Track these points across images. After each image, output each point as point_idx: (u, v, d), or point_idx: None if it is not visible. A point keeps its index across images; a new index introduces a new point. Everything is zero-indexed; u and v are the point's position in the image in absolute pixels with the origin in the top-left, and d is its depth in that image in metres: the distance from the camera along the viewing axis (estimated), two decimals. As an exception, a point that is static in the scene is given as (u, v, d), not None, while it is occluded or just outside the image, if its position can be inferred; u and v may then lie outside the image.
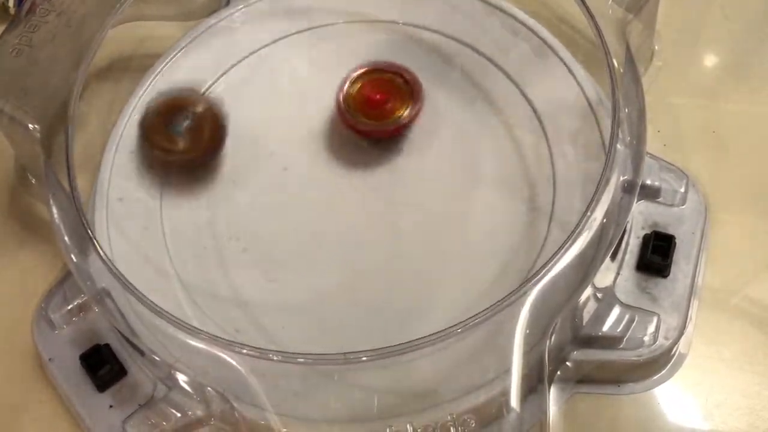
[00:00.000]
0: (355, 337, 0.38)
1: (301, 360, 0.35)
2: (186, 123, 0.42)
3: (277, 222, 0.42)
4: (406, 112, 0.43)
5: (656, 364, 0.39)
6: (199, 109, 0.43)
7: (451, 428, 0.35)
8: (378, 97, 0.43)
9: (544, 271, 0.35)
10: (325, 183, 0.43)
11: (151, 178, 0.43)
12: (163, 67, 0.46)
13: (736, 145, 0.45)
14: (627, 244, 0.41)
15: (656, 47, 0.47)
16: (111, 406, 0.39)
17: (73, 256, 0.38)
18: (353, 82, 0.43)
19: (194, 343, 0.35)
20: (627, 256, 0.40)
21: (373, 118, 0.43)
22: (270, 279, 0.41)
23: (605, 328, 0.38)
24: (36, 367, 0.41)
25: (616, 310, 0.39)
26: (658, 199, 0.42)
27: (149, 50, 0.48)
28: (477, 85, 0.45)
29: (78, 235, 0.38)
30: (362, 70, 0.43)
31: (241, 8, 0.48)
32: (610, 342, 0.38)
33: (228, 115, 0.43)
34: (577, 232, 0.36)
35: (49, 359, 0.40)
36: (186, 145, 0.42)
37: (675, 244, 0.40)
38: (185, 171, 0.43)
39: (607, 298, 0.39)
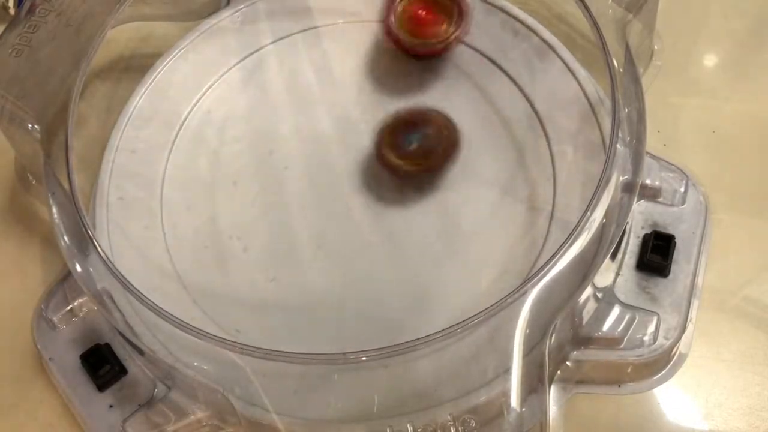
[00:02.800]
0: (355, 337, 0.38)
1: (301, 360, 0.35)
2: (419, 137, 0.42)
3: (277, 222, 0.42)
4: (452, 31, 0.43)
5: (656, 364, 0.39)
6: (435, 123, 0.42)
7: (451, 428, 0.35)
8: (425, 14, 0.43)
9: (544, 271, 0.35)
10: (326, 183, 0.43)
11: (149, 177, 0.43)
12: (163, 67, 0.46)
13: (736, 145, 0.45)
14: (627, 243, 0.41)
15: (656, 47, 0.47)
16: (111, 406, 0.39)
17: (73, 256, 0.38)
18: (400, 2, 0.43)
19: (194, 342, 0.35)
20: (627, 256, 0.40)
21: (420, 36, 0.43)
22: (270, 279, 0.41)
23: (605, 328, 0.38)
24: (36, 367, 0.41)
25: (616, 310, 0.39)
26: (658, 199, 0.42)
27: (149, 50, 0.48)
28: (477, 85, 0.45)
29: (78, 235, 0.38)
30: None
31: (241, 8, 0.48)
32: (610, 342, 0.38)
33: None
34: (577, 232, 0.36)
35: (49, 359, 0.40)
36: (418, 159, 0.42)
37: (675, 243, 0.40)
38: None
39: (607, 298, 0.39)
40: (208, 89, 0.46)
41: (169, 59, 0.46)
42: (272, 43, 0.47)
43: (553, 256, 0.36)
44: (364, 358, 0.34)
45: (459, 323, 0.34)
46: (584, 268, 0.38)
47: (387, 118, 0.42)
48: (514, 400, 0.35)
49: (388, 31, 0.43)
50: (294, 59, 0.46)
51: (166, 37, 0.48)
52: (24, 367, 0.41)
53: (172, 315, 0.36)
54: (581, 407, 0.39)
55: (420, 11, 0.43)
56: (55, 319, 0.41)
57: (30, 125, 0.41)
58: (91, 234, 0.38)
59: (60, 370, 0.40)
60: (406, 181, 0.42)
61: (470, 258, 0.40)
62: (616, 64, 0.40)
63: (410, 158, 0.41)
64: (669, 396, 0.39)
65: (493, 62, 0.45)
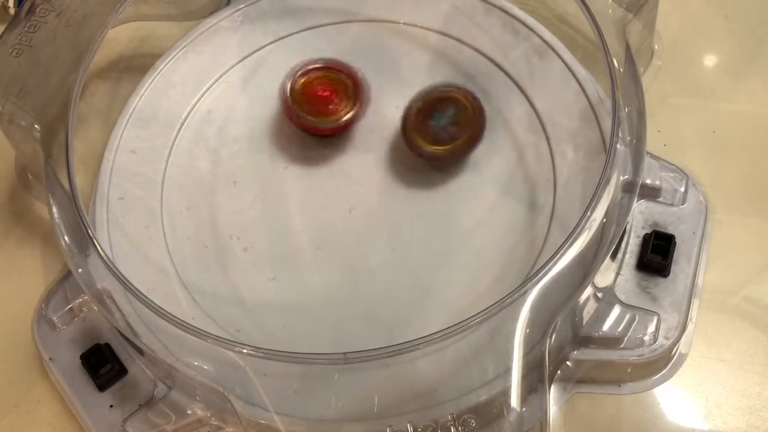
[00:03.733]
0: (355, 337, 0.38)
1: (301, 360, 0.35)
2: (447, 118, 0.42)
3: (277, 222, 0.42)
4: (349, 113, 0.43)
5: (656, 364, 0.39)
6: (461, 102, 0.42)
7: (452, 428, 0.35)
8: (323, 93, 0.43)
9: (544, 271, 0.35)
10: (326, 182, 0.43)
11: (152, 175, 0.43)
12: (163, 67, 0.46)
13: (736, 145, 0.45)
14: (627, 243, 0.41)
15: (656, 47, 0.47)
16: (111, 406, 0.39)
17: (73, 256, 0.38)
18: (300, 77, 0.43)
19: (194, 342, 0.35)
20: (627, 256, 0.40)
21: (317, 114, 0.43)
22: (270, 278, 0.41)
23: (605, 327, 0.38)
24: (36, 367, 0.41)
25: (616, 310, 0.39)
26: (659, 199, 0.42)
27: (149, 50, 0.48)
28: (477, 85, 0.45)
29: (78, 235, 0.38)
30: (310, 67, 0.43)
31: (241, 8, 0.48)
32: (610, 342, 0.38)
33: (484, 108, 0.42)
34: (577, 232, 0.36)
35: (49, 359, 0.40)
36: (447, 140, 0.42)
37: (675, 243, 0.40)
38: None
39: (607, 298, 0.39)
40: (208, 89, 0.46)
41: (169, 59, 0.46)
42: (272, 43, 0.47)
43: (553, 256, 0.36)
44: (364, 359, 0.34)
45: (459, 323, 0.34)
46: (584, 268, 0.38)
47: (413, 102, 0.42)
48: (514, 400, 0.35)
49: (286, 110, 0.43)
50: (294, 59, 0.46)
51: (166, 37, 0.48)
52: (24, 367, 0.41)
53: (172, 315, 0.36)
54: (581, 407, 0.39)
55: (319, 90, 0.43)
56: (55, 319, 0.41)
57: (30, 125, 0.41)
58: (91, 234, 0.38)
59: (60, 370, 0.40)
60: (432, 163, 0.43)
61: (470, 258, 0.40)
62: (616, 64, 0.40)
63: (438, 141, 0.42)
64: (669, 396, 0.39)
65: (493, 62, 0.45)
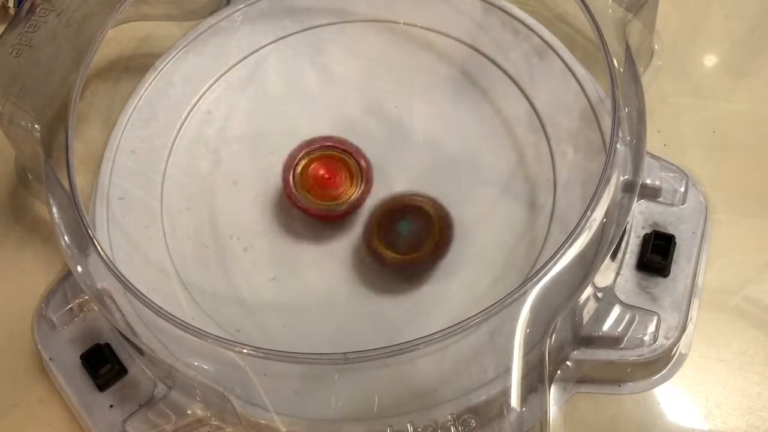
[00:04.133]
0: (355, 337, 0.38)
1: (301, 360, 0.35)
2: (410, 225, 0.40)
3: (277, 222, 0.42)
4: (355, 192, 0.41)
5: (656, 364, 0.39)
6: (426, 210, 0.40)
7: (452, 428, 0.35)
8: (326, 175, 0.41)
9: (544, 271, 0.35)
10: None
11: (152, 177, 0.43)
12: (163, 67, 0.46)
13: (736, 145, 0.45)
14: (627, 243, 0.41)
15: (656, 47, 0.47)
16: (111, 406, 0.39)
17: (73, 256, 0.38)
18: (302, 159, 0.41)
19: (195, 342, 0.35)
20: (627, 256, 0.40)
21: (321, 197, 0.41)
22: (270, 278, 0.41)
23: (605, 327, 0.38)
24: (36, 367, 0.41)
25: (616, 310, 0.39)
26: (659, 199, 0.42)
27: (149, 50, 0.48)
28: (477, 85, 0.45)
29: (78, 235, 0.38)
30: (311, 148, 0.41)
31: (241, 8, 0.48)
32: (611, 342, 0.38)
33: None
34: (577, 232, 0.36)
35: (50, 359, 0.40)
36: (408, 249, 0.39)
37: (675, 243, 0.40)
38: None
39: (608, 298, 0.39)
40: (208, 89, 0.46)
41: (169, 59, 0.46)
42: (272, 43, 0.47)
43: (553, 256, 0.36)
44: (364, 359, 0.34)
45: (459, 323, 0.34)
46: (584, 268, 0.38)
47: (377, 207, 0.40)
48: (514, 400, 0.35)
49: (289, 195, 0.41)
50: (294, 59, 0.46)
51: (166, 37, 0.48)
52: (24, 367, 0.41)
53: (172, 315, 0.36)
54: (581, 407, 0.39)
55: (321, 172, 0.41)
56: (55, 319, 0.41)
57: (30, 125, 0.41)
58: (91, 234, 0.38)
59: (60, 370, 0.40)
60: (393, 270, 0.40)
61: (470, 258, 0.40)
62: (616, 64, 0.40)
63: (399, 249, 0.39)
64: (669, 396, 0.39)
65: (493, 62, 0.45)
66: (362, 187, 0.41)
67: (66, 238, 0.38)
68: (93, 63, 0.42)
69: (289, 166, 0.41)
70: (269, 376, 0.36)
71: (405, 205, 0.40)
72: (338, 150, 0.41)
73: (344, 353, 0.34)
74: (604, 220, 0.37)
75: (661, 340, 0.38)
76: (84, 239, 0.38)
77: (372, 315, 0.39)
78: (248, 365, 0.35)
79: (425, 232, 0.40)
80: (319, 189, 0.41)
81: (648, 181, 0.41)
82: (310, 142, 0.42)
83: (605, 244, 0.38)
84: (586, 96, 0.43)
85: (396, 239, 0.40)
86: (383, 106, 0.45)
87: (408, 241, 0.40)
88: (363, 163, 0.41)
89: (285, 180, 0.41)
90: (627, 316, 0.39)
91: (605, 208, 0.37)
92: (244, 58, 0.47)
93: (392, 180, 0.43)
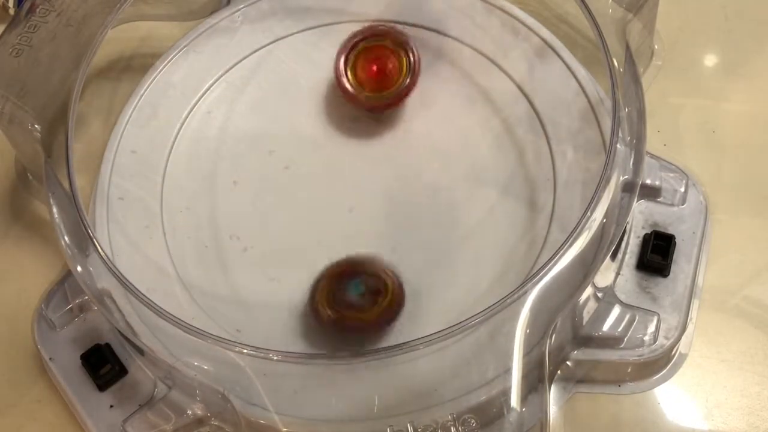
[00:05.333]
0: (355, 337, 0.38)
1: (301, 360, 0.35)
2: (361, 289, 0.38)
3: (277, 222, 0.42)
4: (407, 82, 0.43)
5: (656, 364, 0.39)
6: (378, 276, 0.38)
7: (452, 428, 0.35)
8: (376, 68, 0.43)
9: (544, 271, 0.35)
10: (326, 182, 0.43)
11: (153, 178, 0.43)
12: (163, 67, 0.46)
13: (736, 145, 0.45)
14: (627, 243, 0.41)
15: (656, 47, 0.47)
16: (111, 406, 0.39)
17: (73, 256, 0.38)
18: (351, 52, 0.43)
19: (195, 342, 0.35)
20: (627, 256, 0.40)
21: (373, 89, 0.43)
22: (270, 279, 0.41)
23: (605, 327, 0.38)
24: (36, 367, 0.41)
25: (616, 310, 0.39)
26: (659, 199, 0.42)
27: (149, 50, 0.48)
28: (477, 85, 0.45)
29: (78, 235, 0.38)
30: (359, 38, 0.43)
31: (241, 8, 0.48)
32: (611, 342, 0.38)
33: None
34: (577, 232, 0.36)
35: (50, 359, 0.40)
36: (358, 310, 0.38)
37: (675, 243, 0.40)
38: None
39: (608, 298, 0.39)
40: (208, 89, 0.46)
41: (169, 59, 0.46)
42: (272, 43, 0.47)
43: (553, 256, 0.36)
44: (364, 359, 0.34)
45: (459, 323, 0.34)
46: (584, 268, 0.38)
47: (324, 270, 0.39)
48: (514, 400, 0.35)
49: (344, 90, 0.43)
50: (294, 59, 0.46)
51: (166, 37, 0.48)
52: (24, 367, 0.41)
53: (172, 315, 0.36)
54: (581, 407, 0.39)
55: (372, 66, 0.43)
56: (55, 319, 0.41)
57: (30, 125, 0.41)
58: (91, 234, 0.38)
59: (60, 370, 0.40)
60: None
61: (470, 258, 0.40)
62: (616, 63, 0.40)
63: (349, 309, 0.37)
64: (669, 396, 0.39)
65: (493, 62, 0.45)
66: (409, 79, 0.43)
67: (66, 238, 0.38)
68: (93, 63, 0.42)
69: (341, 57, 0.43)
70: (269, 376, 0.36)
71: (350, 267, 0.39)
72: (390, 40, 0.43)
73: (344, 353, 0.34)
74: (604, 220, 0.37)
75: (661, 340, 0.38)
76: (84, 239, 0.38)
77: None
78: (248, 365, 0.35)
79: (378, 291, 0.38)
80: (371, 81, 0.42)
81: (648, 181, 0.41)
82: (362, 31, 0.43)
83: (605, 244, 0.38)
84: (586, 96, 0.43)
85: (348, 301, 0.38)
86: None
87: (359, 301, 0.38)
88: (412, 56, 0.42)
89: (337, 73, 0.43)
90: (627, 316, 0.39)
91: (605, 208, 0.37)
92: (244, 58, 0.47)
93: (393, 180, 0.43)
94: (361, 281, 0.38)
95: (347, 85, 0.43)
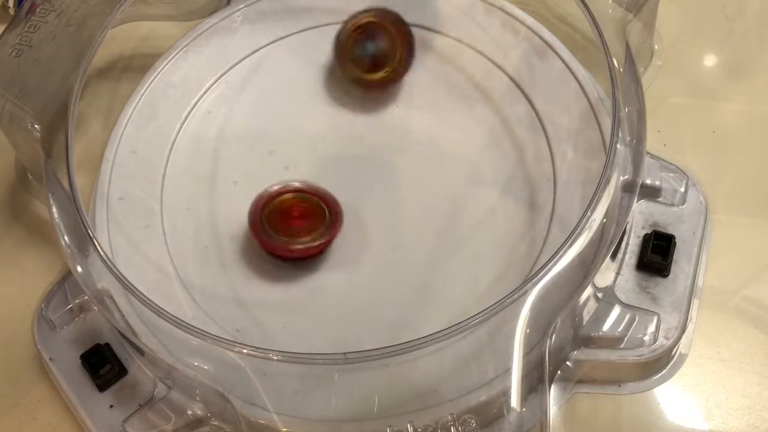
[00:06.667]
0: (355, 337, 0.38)
1: (301, 360, 0.35)
2: (376, 46, 0.43)
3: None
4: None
5: (656, 364, 0.39)
6: (388, 29, 0.43)
7: (452, 428, 0.35)
8: (296, 216, 0.40)
9: (544, 271, 0.35)
10: (326, 182, 0.43)
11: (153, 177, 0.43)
12: (163, 67, 0.46)
13: (736, 145, 0.45)
14: (627, 243, 0.41)
15: (656, 47, 0.47)
16: (111, 406, 0.39)
17: (73, 256, 0.38)
18: (274, 197, 0.41)
19: (195, 342, 0.35)
20: (627, 256, 0.40)
21: (288, 235, 0.40)
22: (270, 279, 0.41)
23: (605, 328, 0.38)
24: (36, 367, 0.41)
25: (616, 310, 0.39)
26: (659, 199, 0.42)
27: (149, 50, 0.48)
28: (477, 85, 0.45)
29: (78, 235, 0.38)
30: (281, 187, 0.41)
31: (241, 8, 0.48)
32: (611, 342, 0.38)
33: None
34: (577, 232, 0.36)
35: (50, 359, 0.40)
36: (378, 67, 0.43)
37: (675, 243, 0.40)
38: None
39: (607, 298, 0.39)
40: (208, 89, 0.46)
41: (169, 59, 0.46)
42: (272, 43, 0.47)
43: (553, 256, 0.36)
44: (364, 359, 0.34)
45: (459, 323, 0.34)
46: (584, 268, 0.38)
47: (342, 30, 0.44)
48: (514, 400, 0.35)
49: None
50: (294, 59, 0.46)
51: (166, 37, 0.48)
52: (24, 367, 0.41)
53: (172, 315, 0.36)
54: (581, 407, 0.39)
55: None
56: (55, 319, 0.41)
57: (30, 125, 0.41)
58: (91, 234, 0.38)
59: (60, 370, 0.40)
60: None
61: (470, 258, 0.40)
62: (616, 64, 0.40)
63: (370, 68, 0.43)
64: (669, 396, 0.39)
65: (493, 62, 0.45)
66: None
67: (66, 238, 0.38)
68: (93, 63, 0.42)
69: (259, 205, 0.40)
70: (269, 376, 0.36)
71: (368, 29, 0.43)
72: (307, 194, 0.41)
73: (344, 353, 0.34)
74: (604, 220, 0.37)
75: (661, 340, 0.38)
76: (84, 239, 0.38)
77: (372, 315, 0.39)
78: (248, 365, 0.35)
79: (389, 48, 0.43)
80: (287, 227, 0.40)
81: (648, 181, 0.41)
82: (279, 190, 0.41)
83: (605, 244, 0.38)
84: (586, 96, 0.43)
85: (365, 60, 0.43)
86: (383, 105, 0.45)
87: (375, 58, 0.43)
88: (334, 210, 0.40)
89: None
90: (627, 316, 0.39)
91: (605, 208, 0.37)
92: (244, 58, 0.47)
93: (392, 180, 0.43)
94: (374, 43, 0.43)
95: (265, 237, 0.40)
